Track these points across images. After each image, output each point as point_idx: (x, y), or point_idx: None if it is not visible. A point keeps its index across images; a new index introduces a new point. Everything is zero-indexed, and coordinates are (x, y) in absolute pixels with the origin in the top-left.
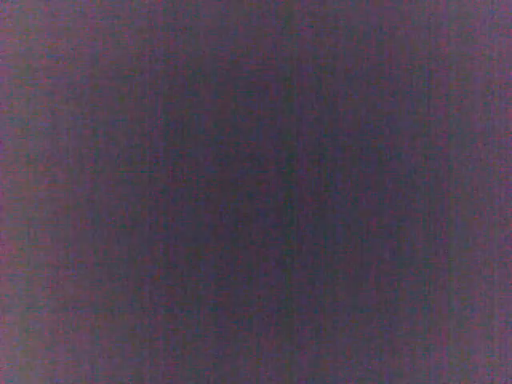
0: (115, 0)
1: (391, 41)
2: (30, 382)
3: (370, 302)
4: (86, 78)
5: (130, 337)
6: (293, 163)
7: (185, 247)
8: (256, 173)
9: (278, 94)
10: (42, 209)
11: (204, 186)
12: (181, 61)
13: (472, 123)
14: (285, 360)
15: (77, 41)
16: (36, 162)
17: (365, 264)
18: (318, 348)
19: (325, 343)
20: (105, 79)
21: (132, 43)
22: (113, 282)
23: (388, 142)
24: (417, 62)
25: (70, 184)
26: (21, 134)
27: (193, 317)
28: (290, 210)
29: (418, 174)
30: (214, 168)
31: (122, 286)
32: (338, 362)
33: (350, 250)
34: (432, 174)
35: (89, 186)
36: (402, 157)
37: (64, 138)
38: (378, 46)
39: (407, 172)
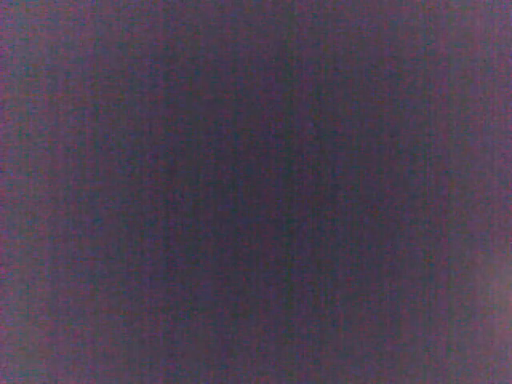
0: (115, 0)
1: (391, 41)
2: (30, 382)
3: (370, 304)
4: (86, 78)
5: (130, 337)
6: (293, 163)
7: (185, 247)
8: (256, 173)
9: (278, 93)
10: (42, 209)
11: (204, 186)
12: (181, 60)
13: (472, 123)
14: (285, 361)
15: (77, 41)
16: (36, 162)
17: (365, 265)
18: (318, 349)
19: (325, 344)
20: (105, 79)
21: (132, 43)
22: (113, 281)
23: (388, 141)
24: (417, 61)
25: (70, 184)
26: (21, 134)
27: (193, 317)
28: (290, 210)
29: (418, 174)
30: (214, 168)
31: (122, 286)
32: (338, 363)
33: (350, 251)
34: (432, 174)
35: (89, 185)
36: (401, 156)
37: (64, 138)
38: (378, 46)
39: (407, 172)
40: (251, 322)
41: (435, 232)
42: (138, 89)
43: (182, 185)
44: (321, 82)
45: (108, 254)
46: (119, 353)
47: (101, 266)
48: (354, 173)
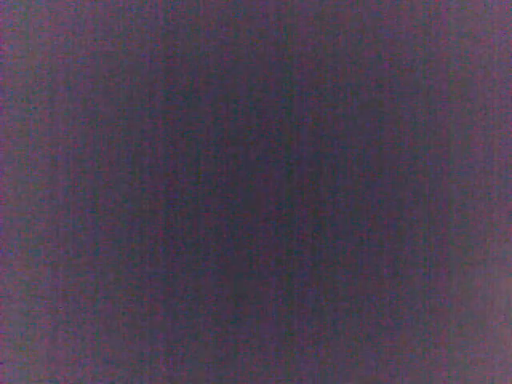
0: (116, 0)
1: (391, 41)
2: (30, 382)
3: (370, 305)
4: (86, 78)
5: (131, 337)
6: (293, 163)
7: (185, 247)
8: (256, 173)
9: (278, 93)
10: (42, 209)
11: (204, 186)
12: (181, 61)
13: (472, 123)
14: (285, 362)
15: (77, 41)
16: (36, 162)
17: (365, 266)
18: (318, 350)
19: (325, 345)
20: (105, 79)
21: (132, 43)
22: (113, 281)
23: (387, 141)
24: (417, 62)
25: (70, 184)
26: (21, 134)
27: (193, 318)
28: (290, 210)
29: (418, 174)
30: (214, 168)
31: (122, 286)
32: (338, 365)
33: (350, 252)
34: (432, 174)
35: (89, 185)
36: (402, 157)
37: (64, 138)
38: (378, 46)
39: (407, 172)
40: (251, 322)
41: (435, 232)
42: (137, 89)
43: (182, 185)
44: (321, 81)
45: (108, 253)
46: (119, 353)
47: (101, 265)
48: (354, 172)
